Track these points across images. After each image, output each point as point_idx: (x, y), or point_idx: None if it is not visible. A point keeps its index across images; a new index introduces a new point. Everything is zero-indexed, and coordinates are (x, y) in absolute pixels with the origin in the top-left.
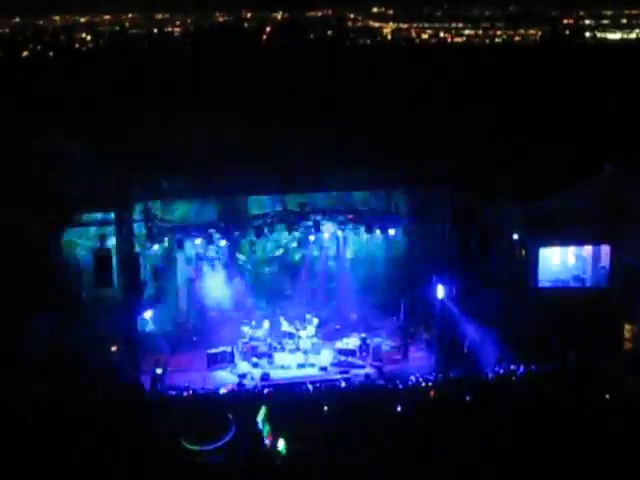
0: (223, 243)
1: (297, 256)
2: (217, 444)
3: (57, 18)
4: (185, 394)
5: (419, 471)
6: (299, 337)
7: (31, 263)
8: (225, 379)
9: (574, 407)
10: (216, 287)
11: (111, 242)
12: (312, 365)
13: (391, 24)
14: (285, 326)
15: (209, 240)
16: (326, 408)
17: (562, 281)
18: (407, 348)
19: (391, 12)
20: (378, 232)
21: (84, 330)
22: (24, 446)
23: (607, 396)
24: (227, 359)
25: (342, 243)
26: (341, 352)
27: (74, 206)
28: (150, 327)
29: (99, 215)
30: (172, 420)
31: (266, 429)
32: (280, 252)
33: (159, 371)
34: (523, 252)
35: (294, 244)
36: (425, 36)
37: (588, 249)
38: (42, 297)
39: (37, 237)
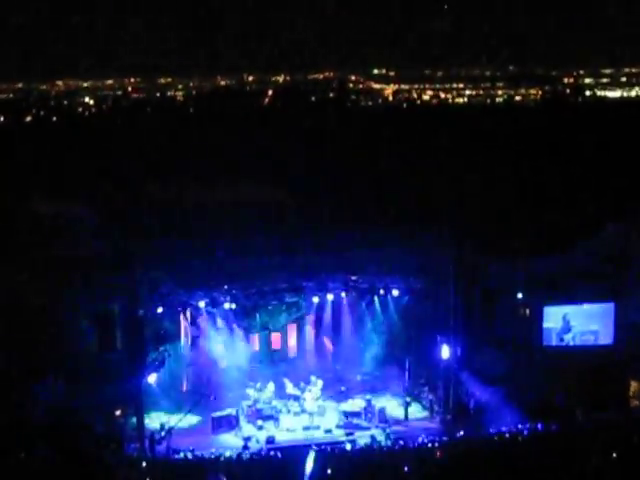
0: (227, 306)
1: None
2: None
3: (60, 83)
4: (183, 457)
5: None
6: (304, 399)
7: (34, 327)
8: (230, 442)
9: (581, 465)
10: (220, 350)
11: (115, 305)
12: (317, 427)
13: (392, 85)
14: (290, 388)
15: (213, 303)
16: (330, 471)
17: (568, 340)
18: (407, 409)
19: (392, 73)
20: (382, 292)
21: (88, 394)
22: None
23: (614, 454)
24: (232, 422)
25: (345, 305)
26: (346, 414)
27: (77, 269)
28: (155, 390)
29: (102, 278)
30: None
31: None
32: (285, 321)
33: (162, 434)
34: (527, 311)
35: (298, 307)
36: (426, 97)
37: (592, 307)
38: (46, 361)
39: (40, 300)
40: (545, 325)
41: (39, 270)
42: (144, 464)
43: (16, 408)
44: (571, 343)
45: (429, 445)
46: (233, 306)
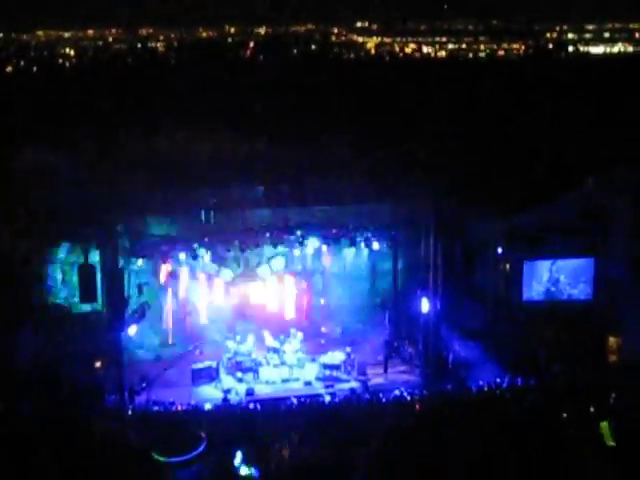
0: (208, 258)
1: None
2: (184, 457)
3: (41, 33)
4: (163, 409)
5: None
6: (284, 352)
7: (15, 279)
8: (210, 394)
9: (558, 420)
10: (200, 302)
11: (95, 257)
12: (297, 380)
13: (375, 38)
14: (270, 341)
15: (193, 255)
16: (311, 423)
17: (547, 294)
18: (387, 362)
19: (375, 27)
20: (362, 246)
21: (68, 346)
22: (9, 461)
23: (591, 408)
24: (212, 374)
25: (326, 257)
26: (326, 366)
27: (57, 221)
28: (134, 342)
29: (83, 230)
30: (145, 433)
31: None
32: (265, 268)
33: (142, 385)
34: (507, 266)
35: (278, 259)
36: (408, 50)
37: (572, 262)
38: (26, 313)
39: (20, 253)
40: (525, 280)
41: (19, 222)
42: (123, 416)
43: None
44: (550, 298)
45: (408, 398)
46: (213, 258)
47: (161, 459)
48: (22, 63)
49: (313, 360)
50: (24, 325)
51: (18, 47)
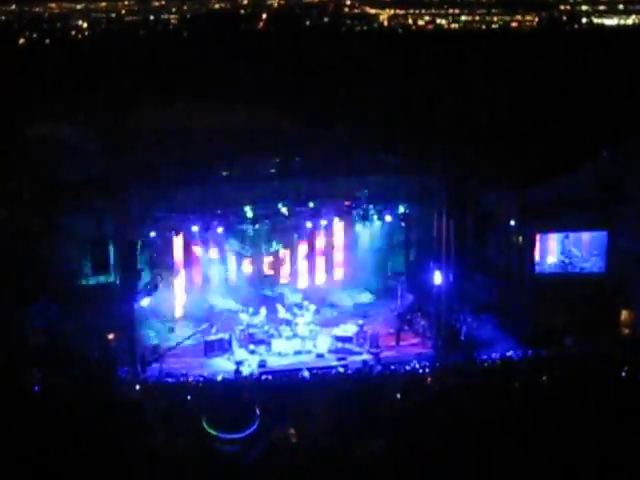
0: (220, 230)
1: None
2: (237, 435)
3: (53, 5)
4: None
5: (417, 456)
6: (296, 324)
7: (28, 251)
8: (222, 366)
9: (571, 391)
10: (213, 274)
11: (108, 229)
12: (309, 352)
13: (388, 10)
14: (282, 313)
15: (206, 227)
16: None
17: (559, 267)
18: (399, 335)
19: None
20: (375, 219)
21: (81, 318)
22: (22, 433)
23: (602, 380)
24: (224, 346)
25: (339, 230)
26: (338, 339)
27: (71, 193)
28: (147, 314)
29: (96, 202)
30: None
31: None
32: (278, 246)
33: (155, 357)
34: (520, 239)
35: (291, 233)
36: (422, 22)
37: (586, 235)
38: (39, 285)
39: (34, 225)
40: (537, 253)
41: (32, 195)
42: (137, 387)
43: (9, 331)
44: (563, 271)
45: (420, 371)
46: (226, 231)
47: (213, 432)
48: (35, 35)
49: (325, 332)
50: (37, 298)
51: (30, 19)
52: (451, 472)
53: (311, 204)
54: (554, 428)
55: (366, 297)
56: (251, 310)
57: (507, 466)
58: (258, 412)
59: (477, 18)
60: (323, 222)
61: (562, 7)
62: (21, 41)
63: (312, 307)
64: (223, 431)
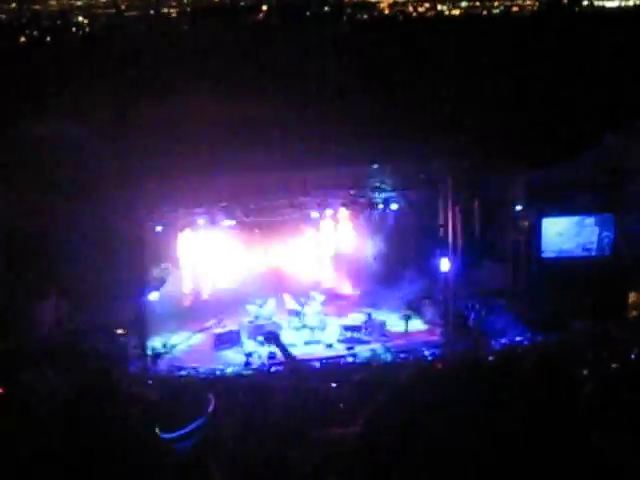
0: (227, 223)
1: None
2: (176, 434)
3: (53, 2)
4: (186, 374)
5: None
6: (305, 314)
7: (35, 248)
8: (232, 358)
9: (579, 375)
10: (221, 266)
11: (115, 224)
12: (318, 342)
13: None
14: (290, 304)
15: (212, 220)
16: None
17: (567, 251)
18: (407, 323)
19: None
20: (380, 207)
21: (90, 314)
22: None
23: (613, 364)
24: (234, 338)
25: (345, 219)
26: (347, 328)
27: (77, 189)
28: (156, 309)
29: (102, 198)
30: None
31: None
32: (284, 232)
33: (164, 350)
34: (526, 223)
35: (297, 223)
36: (422, 9)
37: (592, 218)
38: (48, 282)
39: (41, 222)
40: (544, 237)
41: (42, 191)
42: (149, 381)
43: (20, 328)
44: (570, 255)
45: (429, 358)
46: (232, 223)
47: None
48: (35, 33)
49: (333, 322)
50: (46, 294)
51: (31, 17)
52: (460, 460)
53: (316, 194)
54: (564, 412)
55: (374, 285)
56: (259, 302)
57: (516, 453)
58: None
59: (477, 3)
60: (329, 212)
61: None
62: (22, 39)
63: (320, 297)
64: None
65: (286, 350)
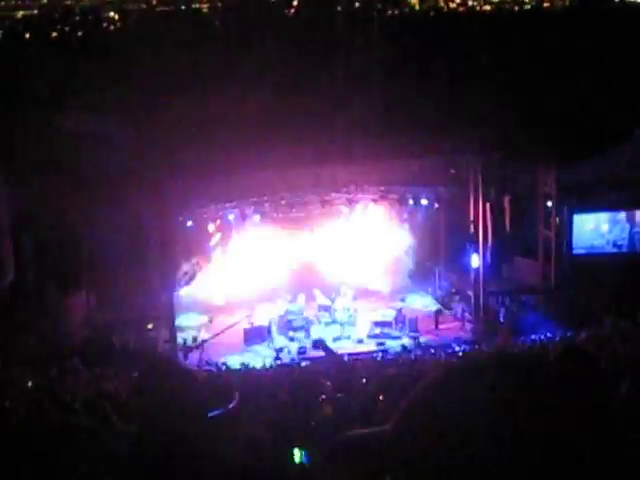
0: (257, 218)
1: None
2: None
3: None
4: (216, 369)
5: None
6: (335, 310)
7: (66, 244)
8: (262, 354)
9: (610, 371)
10: (251, 262)
11: (145, 220)
12: (348, 337)
13: None
14: (320, 299)
15: (243, 216)
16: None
17: (598, 248)
18: (438, 319)
19: None
20: (411, 202)
21: (120, 309)
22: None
23: None
24: (264, 334)
25: (375, 215)
26: (377, 324)
27: (108, 187)
28: (187, 304)
29: (133, 194)
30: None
31: None
32: (314, 231)
33: (194, 344)
34: (557, 219)
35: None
36: (453, 5)
37: (623, 214)
38: (78, 277)
39: (72, 218)
40: (575, 233)
41: (70, 189)
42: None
43: (50, 323)
44: (601, 251)
45: (460, 354)
46: (263, 219)
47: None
48: (67, 28)
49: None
50: (76, 289)
51: (63, 12)
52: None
53: (345, 190)
54: (594, 407)
55: (404, 281)
56: (289, 297)
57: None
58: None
59: None
60: (359, 207)
61: None
62: (54, 34)
63: (350, 293)
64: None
65: (334, 353)
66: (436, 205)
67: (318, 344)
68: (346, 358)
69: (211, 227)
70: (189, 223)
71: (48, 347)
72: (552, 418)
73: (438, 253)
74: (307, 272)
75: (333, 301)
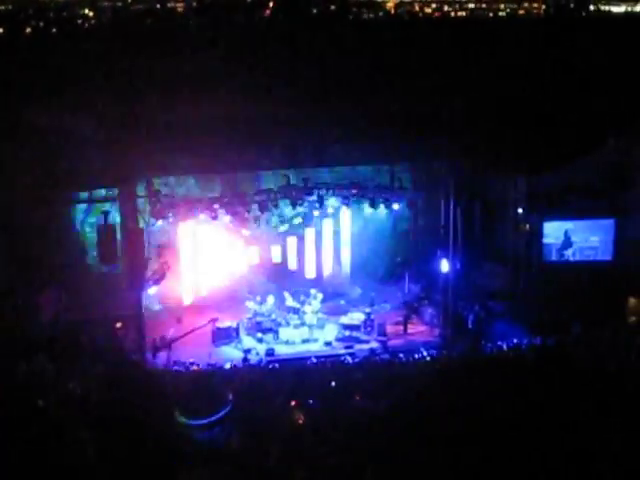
0: (227, 219)
1: (301, 231)
2: (207, 420)
3: None
4: (190, 369)
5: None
6: (304, 312)
7: (36, 240)
8: (230, 354)
9: (577, 378)
10: (220, 263)
11: (115, 218)
12: (316, 340)
13: None
14: (290, 301)
15: (213, 216)
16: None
17: (568, 255)
18: (407, 323)
19: None
20: (382, 207)
21: (88, 307)
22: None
23: (611, 367)
24: (232, 335)
25: (346, 218)
26: (345, 327)
27: (78, 182)
28: (154, 303)
29: (103, 191)
30: (168, 394)
31: None
32: (284, 228)
33: (159, 345)
34: (527, 226)
35: (298, 219)
36: (429, 10)
37: (593, 223)
38: (47, 274)
39: (41, 214)
40: (545, 240)
41: (41, 183)
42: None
43: (18, 318)
44: (571, 259)
45: (428, 359)
46: (233, 218)
47: (184, 421)
48: (41, 24)
49: (332, 321)
50: (44, 286)
51: (37, 8)
52: (454, 459)
53: (317, 192)
54: (560, 416)
55: (373, 285)
56: (258, 298)
57: (511, 456)
58: (230, 397)
59: (484, 5)
60: (330, 210)
61: None
62: (27, 30)
63: (319, 295)
64: (194, 418)
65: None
66: (407, 209)
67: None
68: (314, 360)
69: (181, 226)
70: (159, 222)
71: (16, 344)
72: (526, 417)
73: (408, 257)
74: (277, 274)
75: (302, 304)
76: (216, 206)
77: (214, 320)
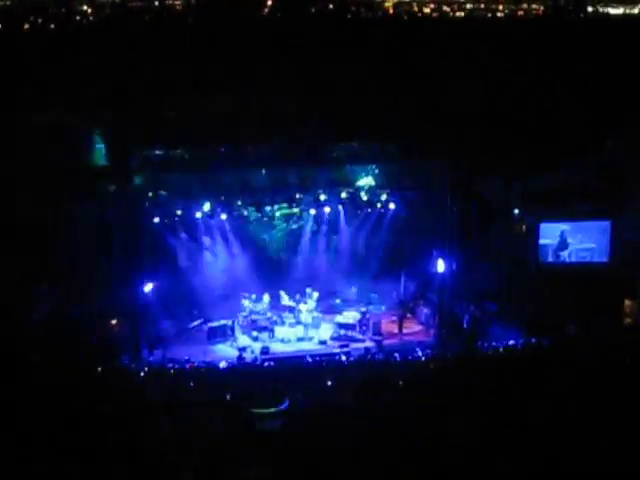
0: (224, 216)
1: (297, 230)
2: (277, 409)
3: None
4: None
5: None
6: (299, 311)
7: (33, 234)
8: (225, 353)
9: (572, 378)
10: (216, 260)
11: (112, 214)
12: (311, 339)
13: None
14: (285, 300)
15: (210, 213)
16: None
17: (564, 257)
18: (402, 322)
19: None
20: (378, 206)
21: (84, 303)
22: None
23: (605, 369)
24: (227, 333)
25: (343, 217)
26: (341, 326)
27: (75, 179)
28: (151, 300)
29: (100, 187)
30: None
31: None
32: (281, 226)
33: (157, 342)
34: (524, 227)
35: (294, 218)
36: (427, 10)
37: (589, 224)
38: (42, 269)
39: (38, 210)
40: (541, 241)
41: (37, 180)
42: (141, 373)
43: (13, 313)
44: (567, 260)
45: (423, 358)
46: (229, 217)
47: (257, 411)
48: (39, 20)
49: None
50: (40, 280)
51: (35, 4)
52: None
53: (314, 190)
54: (555, 416)
55: (369, 284)
56: (254, 297)
57: (506, 455)
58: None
59: (482, 6)
60: (327, 209)
61: None
62: (26, 26)
63: (315, 294)
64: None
65: None
66: (403, 209)
67: None
68: (309, 359)
69: (178, 224)
70: (155, 219)
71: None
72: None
73: (404, 257)
74: (273, 272)
75: (298, 302)
76: (212, 203)
77: (206, 322)
